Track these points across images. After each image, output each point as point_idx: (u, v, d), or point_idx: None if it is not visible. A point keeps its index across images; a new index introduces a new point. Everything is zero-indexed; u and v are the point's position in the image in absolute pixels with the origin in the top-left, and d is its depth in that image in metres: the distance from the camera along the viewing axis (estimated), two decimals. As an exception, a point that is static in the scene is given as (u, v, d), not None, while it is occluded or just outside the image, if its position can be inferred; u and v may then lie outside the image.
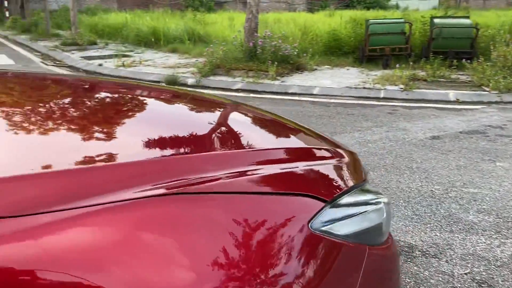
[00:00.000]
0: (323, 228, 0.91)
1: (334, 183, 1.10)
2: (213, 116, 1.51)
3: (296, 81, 7.98)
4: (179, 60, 10.64)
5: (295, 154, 1.15)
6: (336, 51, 9.89)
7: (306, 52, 9.10)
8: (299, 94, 7.15)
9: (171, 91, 1.89)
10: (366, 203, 1.10)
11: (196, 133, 1.18)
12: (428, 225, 2.73)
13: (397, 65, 8.06)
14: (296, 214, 0.89)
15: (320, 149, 1.27)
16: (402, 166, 3.80)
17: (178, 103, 1.60)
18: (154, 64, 10.00)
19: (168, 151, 1.01)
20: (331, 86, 7.53)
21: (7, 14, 23.96)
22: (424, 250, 2.42)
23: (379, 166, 3.81)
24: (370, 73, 8.40)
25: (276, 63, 8.10)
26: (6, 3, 24.15)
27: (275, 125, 1.47)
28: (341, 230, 0.95)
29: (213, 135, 1.21)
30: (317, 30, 11.17)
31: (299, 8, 29.04)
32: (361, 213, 1.05)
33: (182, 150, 1.06)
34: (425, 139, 4.56)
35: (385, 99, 6.71)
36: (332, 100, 6.68)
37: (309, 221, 0.88)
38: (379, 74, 8.08)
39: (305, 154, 1.19)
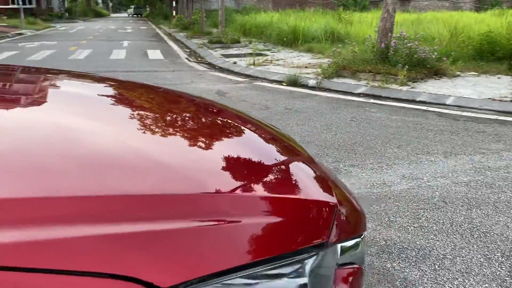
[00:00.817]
0: None
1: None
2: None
3: (428, 88, 7.07)
4: (310, 60, 10.41)
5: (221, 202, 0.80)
6: (488, 55, 8.51)
7: (448, 56, 8.01)
8: (428, 103, 6.30)
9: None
10: None
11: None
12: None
13: None
14: None
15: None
16: (523, 205, 2.98)
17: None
18: (284, 64, 9.95)
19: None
20: (469, 96, 6.47)
21: (174, 13, 26.70)
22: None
23: (487, 202, 3.04)
24: (527, 83, 7.01)
25: (408, 66, 7.30)
26: (174, 3, 26.89)
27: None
28: None
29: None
30: (471, 31, 9.82)
31: (464, 7, 26.22)
32: None
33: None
34: None
35: (536, 116, 5.49)
36: (465, 113, 5.71)
37: None
38: (537, 85, 6.68)
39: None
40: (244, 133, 1.22)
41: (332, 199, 1.03)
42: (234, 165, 0.96)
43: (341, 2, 26.98)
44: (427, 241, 2.51)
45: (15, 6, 28.94)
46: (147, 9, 59.55)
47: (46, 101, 1.16)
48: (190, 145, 1.01)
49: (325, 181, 1.11)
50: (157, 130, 1.04)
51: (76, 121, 0.98)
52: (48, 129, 0.94)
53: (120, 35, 20.96)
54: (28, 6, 36.66)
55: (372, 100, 6.58)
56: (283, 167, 1.07)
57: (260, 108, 5.91)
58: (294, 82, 7.79)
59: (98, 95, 1.27)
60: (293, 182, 1.03)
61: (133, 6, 65.70)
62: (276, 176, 1.01)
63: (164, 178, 0.79)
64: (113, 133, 0.96)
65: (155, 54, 12.80)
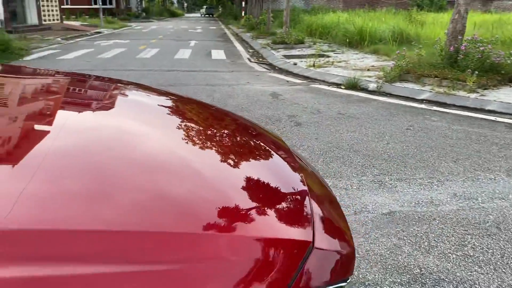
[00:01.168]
0: None
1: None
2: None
3: (501, 96, 6.46)
4: (374, 62, 9.98)
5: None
6: None
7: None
8: (498, 113, 5.75)
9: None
10: None
11: None
12: None
13: None
14: None
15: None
16: None
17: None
18: (346, 66, 9.62)
19: None
20: (548, 106, 5.83)
21: (243, 13, 26.97)
22: None
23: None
24: None
25: (478, 72, 6.72)
26: (243, 3, 27.16)
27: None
28: None
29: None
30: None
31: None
32: None
33: None
34: None
35: None
36: (541, 126, 5.13)
37: None
38: None
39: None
40: (268, 158, 1.20)
41: (307, 236, 0.89)
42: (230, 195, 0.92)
43: (416, 2, 25.81)
44: (469, 273, 2.23)
45: (96, 6, 30.79)
46: (220, 9, 60.84)
47: (113, 107, 1.29)
48: (217, 160, 1.05)
49: (304, 217, 0.96)
50: (197, 142, 1.11)
51: (136, 127, 1.09)
52: (111, 131, 1.06)
53: (189, 35, 21.54)
54: (108, 6, 38.91)
55: (434, 108, 6.13)
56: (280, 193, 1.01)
57: (311, 112, 5.72)
58: (353, 85, 7.49)
59: (158, 105, 1.36)
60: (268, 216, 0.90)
61: (205, 7, 67.51)
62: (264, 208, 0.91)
63: (196, 186, 0.85)
64: (164, 139, 1.06)
65: (218, 54, 12.96)
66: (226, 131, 1.26)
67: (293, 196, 1.02)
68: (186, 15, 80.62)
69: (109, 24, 27.76)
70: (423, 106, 6.26)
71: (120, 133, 1.05)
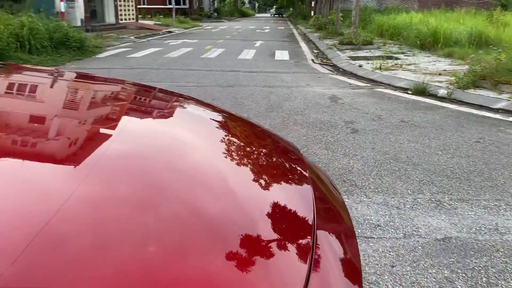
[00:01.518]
0: None
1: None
2: None
3: None
4: (447, 67, 9.31)
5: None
6: None
7: None
8: None
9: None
10: None
11: None
12: None
13: None
14: None
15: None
16: None
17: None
18: (415, 69, 9.06)
19: None
20: None
21: (312, 13, 26.61)
22: None
23: None
24: None
25: None
26: (313, 3, 26.79)
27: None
28: None
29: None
30: None
31: None
32: None
33: None
34: None
35: None
36: None
37: None
38: None
39: None
40: (301, 183, 1.13)
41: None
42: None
43: (500, 2, 23.95)
44: (535, 322, 1.88)
45: (169, 6, 31.88)
46: (290, 9, 60.77)
47: (171, 117, 1.36)
48: (251, 180, 1.03)
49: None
50: (237, 159, 1.12)
51: (186, 138, 1.15)
52: (165, 139, 1.12)
53: (256, 35, 21.60)
54: (181, 6, 40.20)
55: (511, 119, 5.54)
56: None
57: (371, 119, 5.38)
58: (421, 90, 7.00)
59: (210, 119, 1.40)
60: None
61: (274, 7, 67.79)
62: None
63: (228, 205, 0.85)
64: (208, 153, 1.09)
65: (282, 55, 12.81)
66: (264, 150, 1.24)
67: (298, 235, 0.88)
68: (257, 15, 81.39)
69: (181, 24, 28.63)
70: (498, 116, 5.68)
71: (173, 141, 1.11)
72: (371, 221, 2.76)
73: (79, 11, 18.51)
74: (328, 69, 10.05)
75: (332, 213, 1.08)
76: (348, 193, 3.19)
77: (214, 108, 1.53)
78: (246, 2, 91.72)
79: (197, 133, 1.22)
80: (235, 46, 15.40)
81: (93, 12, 21.55)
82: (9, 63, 1.87)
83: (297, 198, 1.00)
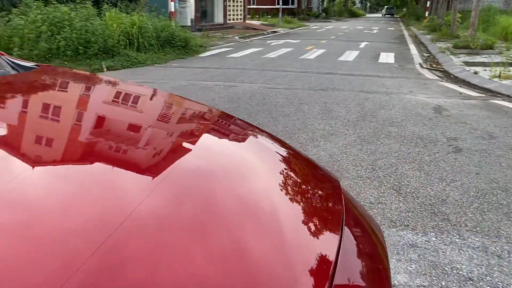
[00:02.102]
0: None
1: None
2: None
3: None
4: None
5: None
6: None
7: None
8: None
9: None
10: None
11: None
12: None
13: None
14: None
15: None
16: None
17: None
18: (544, 79, 7.76)
19: None
20: None
21: (426, 13, 24.80)
22: None
23: None
24: None
25: None
26: (428, 3, 24.94)
27: None
28: None
29: None
30: None
31: None
32: None
33: None
34: None
35: None
36: None
37: None
38: None
39: None
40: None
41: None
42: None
43: None
44: None
45: (277, 6, 32.04)
46: (404, 9, 57.81)
47: (241, 143, 1.39)
48: (301, 221, 1.01)
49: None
50: (291, 196, 1.10)
51: (252, 164, 1.18)
52: (234, 161, 1.17)
53: (362, 36, 20.68)
54: (289, 6, 40.26)
55: None
56: None
57: (480, 136, 4.60)
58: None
59: (275, 151, 1.39)
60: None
61: (386, 7, 65.02)
62: None
63: (274, 247, 0.82)
64: (267, 184, 1.08)
65: (386, 57, 11.97)
66: (320, 192, 1.19)
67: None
68: (367, 15, 78.72)
69: (287, 24, 28.62)
70: None
71: (239, 166, 1.15)
72: (461, 272, 2.21)
73: (190, 11, 19.34)
74: (437, 75, 9.08)
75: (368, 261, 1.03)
76: (437, 229, 2.64)
77: (283, 144, 1.50)
78: (357, 2, 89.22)
79: (259, 161, 1.23)
80: (337, 47, 14.82)
81: (204, 12, 22.43)
82: (42, 64, 1.74)
83: (321, 242, 0.96)
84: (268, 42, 16.88)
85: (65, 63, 8.73)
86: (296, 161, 1.37)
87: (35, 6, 9.47)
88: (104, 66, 9.12)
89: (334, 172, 3.35)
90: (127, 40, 10.87)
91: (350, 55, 12.26)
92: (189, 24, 18.68)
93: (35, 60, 8.41)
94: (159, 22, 12.14)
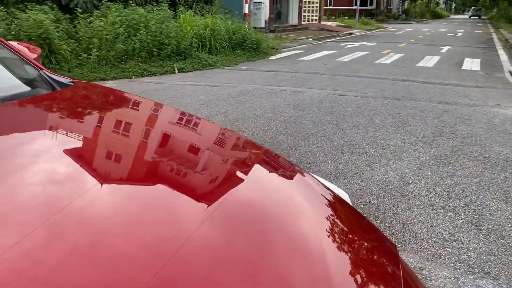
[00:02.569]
0: None
1: None
2: None
3: None
4: None
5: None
6: None
7: None
8: None
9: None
10: None
11: None
12: None
13: None
14: None
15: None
16: None
17: None
18: None
19: None
20: None
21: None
22: None
23: None
24: None
25: None
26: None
27: None
28: None
29: None
30: None
31: None
32: None
33: None
34: None
35: None
36: None
37: None
38: None
39: None
40: None
41: None
42: None
43: None
44: None
45: (354, 7, 31.13)
46: (493, 10, 53.84)
47: (290, 180, 1.34)
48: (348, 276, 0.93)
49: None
50: (337, 241, 1.04)
51: (300, 204, 1.12)
52: (281, 199, 1.12)
53: (445, 39, 19.39)
54: (367, 7, 39.01)
55: None
56: None
57: None
58: None
59: (321, 194, 1.31)
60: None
61: (472, 7, 60.94)
62: None
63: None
64: (315, 229, 1.02)
65: (471, 64, 11.02)
66: (367, 244, 1.12)
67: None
68: (452, 16, 74.32)
69: (363, 25, 27.71)
70: None
71: (289, 203, 1.11)
72: None
73: (265, 12, 19.30)
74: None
75: None
76: (526, 282, 2.21)
77: (327, 188, 1.41)
78: (441, 2, 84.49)
79: (306, 202, 1.18)
80: (416, 51, 13.97)
81: (278, 13, 22.31)
82: (76, 80, 1.63)
83: None
84: (342, 44, 16.36)
85: (139, 64, 8.97)
86: (342, 208, 1.29)
87: (114, 8, 9.85)
88: (176, 68, 9.26)
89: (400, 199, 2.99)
90: (200, 42, 10.99)
91: (430, 61, 11.46)
92: (263, 25, 18.65)
93: (111, 61, 8.74)
94: (231, 24, 12.16)
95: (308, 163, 3.89)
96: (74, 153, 1.06)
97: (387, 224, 2.80)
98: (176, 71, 9.18)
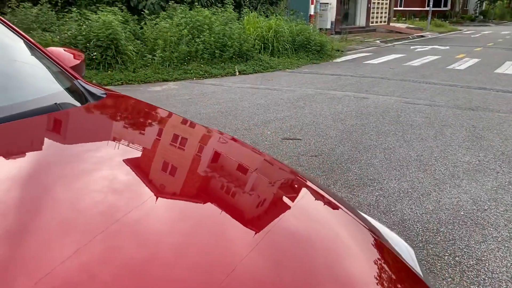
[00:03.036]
0: None
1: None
2: None
3: None
4: None
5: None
6: None
7: None
8: None
9: None
10: None
11: None
12: None
13: None
14: None
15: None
16: None
17: None
18: None
19: None
20: None
21: None
22: None
23: None
24: None
25: None
26: None
27: None
28: None
29: None
30: None
31: None
32: None
33: None
34: None
35: None
36: None
37: None
38: None
39: None
40: None
41: None
42: None
43: None
44: None
45: (427, 8, 29.66)
46: None
47: (336, 210, 1.25)
48: None
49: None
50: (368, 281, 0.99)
51: (344, 236, 1.07)
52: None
53: (529, 43, 17.87)
54: (441, 8, 37.07)
55: None
56: None
57: None
58: None
59: (369, 234, 1.21)
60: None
61: None
62: None
63: None
64: (363, 265, 0.98)
65: (508, 68, 9.98)
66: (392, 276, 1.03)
67: None
68: (536, 18, 68.72)
69: (436, 28, 26.33)
70: None
71: (335, 237, 1.06)
72: None
73: (331, 14, 18.86)
74: None
75: None
76: None
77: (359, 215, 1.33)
78: (524, 3, 78.35)
79: (351, 240, 1.09)
80: (494, 56, 12.93)
81: (345, 14, 21.73)
82: (109, 92, 1.50)
83: None
84: (412, 47, 15.54)
85: (201, 65, 9.00)
86: (389, 254, 1.16)
87: (180, 10, 9.97)
88: (237, 70, 9.19)
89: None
90: (262, 44, 10.86)
91: (510, 67, 10.52)
92: (329, 26, 18.22)
93: (174, 63, 8.84)
94: (296, 26, 11.92)
95: (368, 179, 3.57)
96: (131, 163, 1.08)
97: (457, 259, 2.44)
98: (237, 73, 9.10)
